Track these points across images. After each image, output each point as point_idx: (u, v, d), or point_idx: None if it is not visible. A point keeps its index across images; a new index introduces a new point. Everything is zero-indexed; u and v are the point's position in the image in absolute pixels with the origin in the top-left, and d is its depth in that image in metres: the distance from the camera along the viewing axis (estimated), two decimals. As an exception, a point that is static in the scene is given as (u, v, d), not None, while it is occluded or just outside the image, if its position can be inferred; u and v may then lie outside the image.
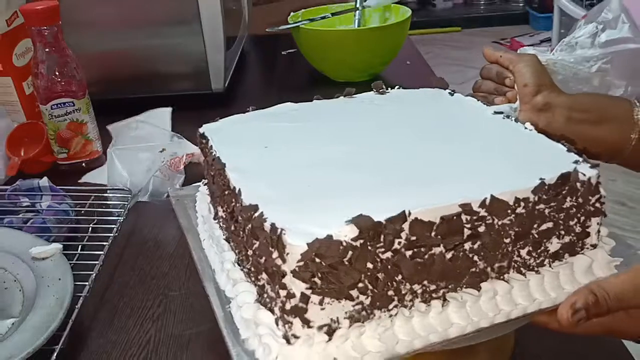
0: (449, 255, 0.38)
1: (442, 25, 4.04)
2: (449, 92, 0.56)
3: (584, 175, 0.40)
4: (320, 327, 0.35)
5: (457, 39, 3.92)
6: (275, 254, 0.35)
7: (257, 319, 0.38)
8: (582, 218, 0.42)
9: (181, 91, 1.02)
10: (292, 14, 1.14)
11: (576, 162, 0.42)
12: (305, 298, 0.34)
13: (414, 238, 0.36)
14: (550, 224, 0.41)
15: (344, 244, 0.34)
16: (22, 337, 0.49)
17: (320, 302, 0.35)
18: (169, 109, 0.88)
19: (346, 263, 0.34)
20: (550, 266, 0.42)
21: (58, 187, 0.71)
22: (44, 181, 0.71)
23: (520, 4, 4.14)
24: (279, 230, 0.35)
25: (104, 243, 0.62)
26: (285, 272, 0.34)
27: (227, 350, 0.38)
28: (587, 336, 0.41)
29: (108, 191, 0.75)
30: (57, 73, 0.79)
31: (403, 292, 0.37)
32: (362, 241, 0.34)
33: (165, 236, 0.70)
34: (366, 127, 0.50)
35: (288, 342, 0.36)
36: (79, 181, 0.82)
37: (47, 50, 0.78)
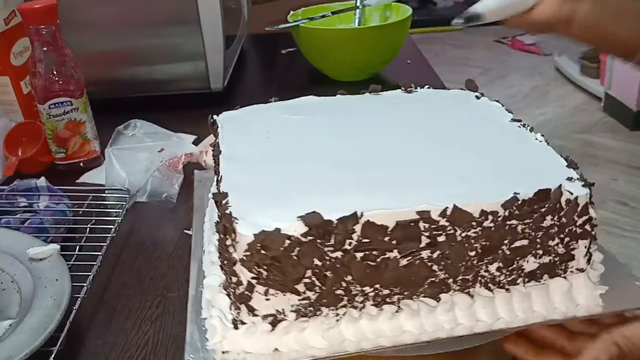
0: (403, 262, 0.37)
1: (443, 24, 4.04)
2: (476, 96, 0.54)
3: (571, 193, 0.38)
4: (265, 317, 0.37)
5: (458, 38, 3.92)
6: (228, 241, 0.36)
7: (215, 301, 0.39)
8: (567, 239, 0.39)
9: (180, 90, 1.01)
10: (291, 12, 1.13)
11: (569, 178, 0.39)
12: (250, 287, 0.36)
13: (365, 240, 0.36)
14: (524, 242, 0.38)
15: (292, 238, 0.35)
16: (19, 339, 0.49)
17: (266, 293, 0.36)
18: (192, 137, 0.88)
19: (293, 257, 0.35)
20: (524, 285, 0.40)
21: (56, 187, 0.71)
22: (42, 181, 0.71)
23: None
24: (233, 219, 0.36)
25: (102, 244, 0.62)
26: (235, 259, 0.36)
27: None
28: None
29: (106, 191, 0.75)
30: (55, 72, 0.79)
31: (353, 292, 0.37)
32: (311, 238, 0.35)
33: (164, 237, 0.69)
34: (375, 125, 0.50)
35: (235, 327, 0.37)
36: (77, 181, 0.81)
37: (45, 49, 0.78)
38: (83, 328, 0.56)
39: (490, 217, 0.37)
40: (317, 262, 0.36)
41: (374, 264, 0.36)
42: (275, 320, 0.37)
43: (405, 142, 0.47)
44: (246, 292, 0.36)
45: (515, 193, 0.37)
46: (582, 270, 0.40)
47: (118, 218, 0.67)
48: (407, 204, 0.36)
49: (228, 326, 0.38)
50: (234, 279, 0.37)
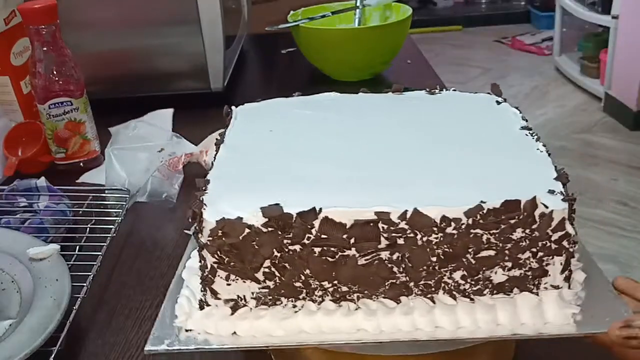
0: (362, 261, 0.37)
1: (443, 24, 4.04)
2: (497, 101, 0.53)
3: (546, 207, 0.36)
4: (226, 301, 0.39)
5: (458, 38, 3.92)
6: (197, 226, 0.38)
7: (188, 282, 0.42)
8: (540, 254, 0.38)
9: (180, 91, 1.01)
10: (291, 12, 1.13)
11: (551, 191, 0.37)
12: (213, 271, 0.38)
13: (324, 236, 0.36)
14: (491, 252, 0.37)
15: (253, 227, 0.36)
16: (19, 339, 0.49)
17: (227, 278, 0.38)
18: (170, 110, 0.88)
19: (254, 246, 0.36)
20: (491, 297, 0.39)
21: (56, 187, 0.71)
22: (42, 181, 0.71)
23: (522, 3, 4.13)
24: (201, 205, 0.38)
25: (102, 244, 0.62)
26: (202, 244, 0.38)
27: None
28: None
29: (106, 191, 0.75)
30: (55, 72, 0.79)
31: (312, 286, 0.38)
32: (271, 229, 0.36)
33: (164, 237, 0.69)
34: (381, 125, 0.50)
35: (201, 308, 0.39)
36: (77, 181, 0.81)
37: (45, 49, 0.78)
38: (83, 328, 0.56)
39: (452, 224, 0.36)
40: (276, 253, 0.37)
41: (332, 260, 0.37)
42: (236, 306, 0.39)
43: (403, 143, 0.46)
44: (209, 276, 0.38)
45: (481, 201, 0.36)
46: (557, 287, 0.39)
47: (118, 218, 0.67)
48: (370, 204, 0.36)
49: (195, 306, 0.40)
50: (202, 263, 0.39)
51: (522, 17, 4.02)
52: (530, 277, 0.38)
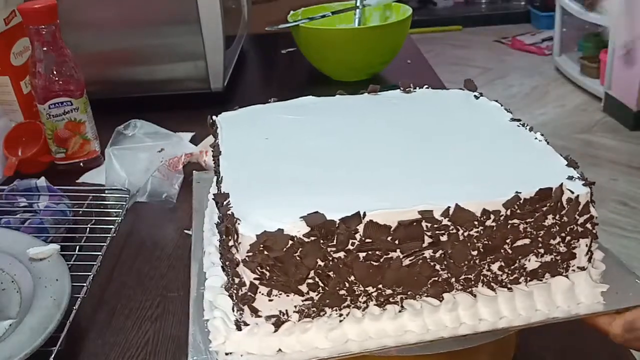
0: (406, 262, 0.37)
1: (443, 24, 4.04)
2: (475, 95, 0.54)
3: (572, 192, 0.38)
4: (268, 318, 0.37)
5: (457, 38, 3.92)
6: (231, 242, 0.36)
7: (217, 303, 0.39)
8: (568, 238, 0.39)
9: (180, 91, 1.01)
10: (291, 12, 1.13)
11: (570, 177, 0.39)
12: (254, 288, 0.36)
13: (368, 240, 0.36)
14: (526, 241, 0.39)
15: (295, 239, 0.35)
16: (19, 339, 0.49)
17: (269, 294, 0.36)
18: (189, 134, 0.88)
19: (296, 258, 0.35)
20: (526, 284, 0.40)
21: (56, 187, 0.71)
22: (42, 181, 0.71)
23: (522, 3, 4.13)
24: (235, 220, 0.36)
25: (102, 244, 0.62)
26: (238, 260, 0.36)
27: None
28: None
29: (106, 191, 0.75)
30: (55, 72, 0.79)
31: (356, 292, 0.37)
32: (314, 238, 0.35)
33: (164, 237, 0.69)
34: (373, 125, 0.50)
35: (239, 328, 0.37)
36: (77, 181, 0.81)
37: (45, 49, 0.78)
38: (83, 328, 0.56)
39: (492, 217, 0.37)
40: (320, 262, 0.36)
41: (376, 264, 0.37)
42: (278, 321, 0.37)
43: (404, 142, 0.46)
44: (249, 293, 0.36)
45: (517, 192, 0.37)
46: (583, 269, 0.41)
47: (118, 218, 0.67)
48: (409, 204, 0.36)
49: (231, 327, 0.38)
50: (237, 280, 0.37)
51: (522, 17, 4.02)
52: (560, 261, 0.40)
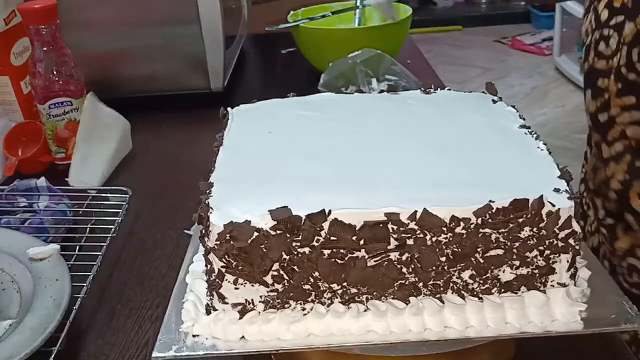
0: (371, 262, 0.37)
1: (443, 24, 4.04)
2: (492, 99, 0.53)
3: (553, 205, 0.37)
4: (234, 305, 0.38)
5: (458, 38, 3.92)
6: (204, 230, 0.38)
7: (193, 286, 0.41)
8: (547, 252, 0.38)
9: (180, 91, 1.01)
10: (291, 12, 1.13)
11: (556, 190, 0.38)
12: (221, 275, 0.37)
13: (333, 238, 0.36)
14: (499, 251, 0.37)
15: (261, 231, 0.36)
16: (19, 339, 0.49)
17: (235, 282, 0.37)
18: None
19: (262, 249, 0.36)
20: (498, 295, 0.39)
21: (56, 187, 0.71)
22: (42, 181, 0.70)
23: (522, 3, 4.13)
24: (208, 209, 0.37)
25: (102, 244, 0.62)
26: (208, 248, 0.37)
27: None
28: None
29: (106, 191, 0.75)
30: (55, 72, 0.79)
31: (321, 289, 0.38)
32: (280, 232, 0.36)
33: (164, 237, 0.69)
34: (380, 125, 0.50)
35: (208, 312, 0.39)
36: (66, 179, 0.81)
37: (45, 49, 0.78)
38: (83, 328, 0.56)
39: (461, 224, 0.36)
40: (285, 256, 0.37)
41: (341, 262, 0.37)
42: (244, 310, 0.39)
43: (403, 143, 0.46)
44: (217, 280, 0.38)
45: (490, 201, 0.36)
46: (564, 285, 0.39)
47: (118, 218, 0.66)
48: (380, 205, 0.36)
49: (201, 311, 0.40)
50: (208, 267, 0.38)
51: (522, 17, 4.02)
52: (537, 275, 0.38)
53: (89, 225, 0.67)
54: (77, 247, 0.63)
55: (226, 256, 0.37)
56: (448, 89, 0.56)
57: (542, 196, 0.36)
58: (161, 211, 0.73)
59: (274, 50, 1.30)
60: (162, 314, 0.56)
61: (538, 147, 0.44)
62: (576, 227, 0.37)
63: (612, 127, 0.62)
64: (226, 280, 0.38)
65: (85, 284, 0.56)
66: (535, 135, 0.45)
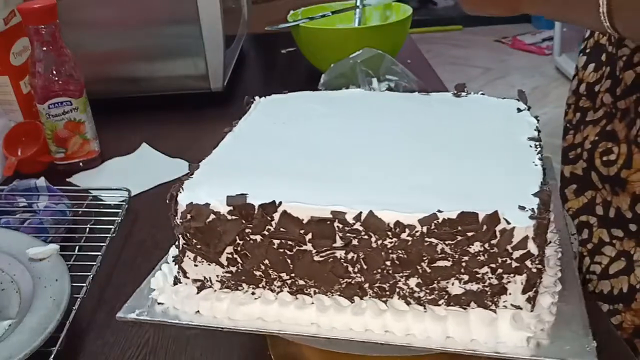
0: (317, 258, 0.37)
1: (443, 24, 4.04)
2: (517, 108, 0.51)
3: (508, 223, 0.35)
4: (194, 280, 0.41)
5: (458, 38, 3.92)
6: (173, 208, 0.40)
7: (170, 259, 0.44)
8: (499, 271, 0.36)
9: (180, 90, 1.01)
10: (291, 12, 1.13)
11: (521, 208, 0.35)
12: (183, 251, 0.40)
13: (282, 230, 0.37)
14: (447, 263, 0.36)
15: (218, 214, 0.38)
16: (19, 339, 0.49)
17: (194, 259, 0.40)
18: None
19: (217, 232, 0.38)
20: (445, 307, 0.37)
21: (55, 187, 0.71)
22: (41, 181, 0.70)
23: (521, 3, 4.13)
24: (179, 188, 0.40)
25: (102, 244, 0.62)
26: (174, 224, 0.40)
27: None
28: None
29: (106, 191, 0.75)
30: (54, 72, 0.79)
31: (272, 276, 0.39)
32: (235, 218, 0.38)
33: (164, 236, 0.69)
34: (391, 126, 0.49)
35: (174, 284, 0.42)
36: (68, 180, 0.81)
37: (44, 49, 0.78)
38: (83, 328, 0.55)
39: (407, 230, 0.36)
40: (238, 240, 0.38)
41: (290, 253, 0.38)
42: (202, 286, 0.41)
43: (403, 146, 0.46)
44: (180, 255, 0.41)
45: (438, 210, 0.35)
46: (518, 308, 0.37)
47: (118, 218, 0.66)
48: (328, 202, 0.37)
49: (169, 282, 0.42)
50: (176, 242, 0.41)
51: (522, 16, 4.00)
52: (489, 293, 0.37)
53: (88, 226, 0.67)
54: (77, 247, 0.63)
55: (187, 234, 0.39)
56: (482, 94, 0.55)
57: (496, 211, 0.35)
58: (161, 211, 0.73)
59: (274, 50, 1.30)
60: (162, 314, 0.57)
61: (533, 162, 0.42)
62: (533, 249, 0.35)
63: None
64: (187, 256, 0.40)
65: (85, 284, 0.56)
66: (539, 149, 0.44)
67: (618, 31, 0.48)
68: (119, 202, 0.71)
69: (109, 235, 0.63)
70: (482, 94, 0.55)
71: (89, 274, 0.57)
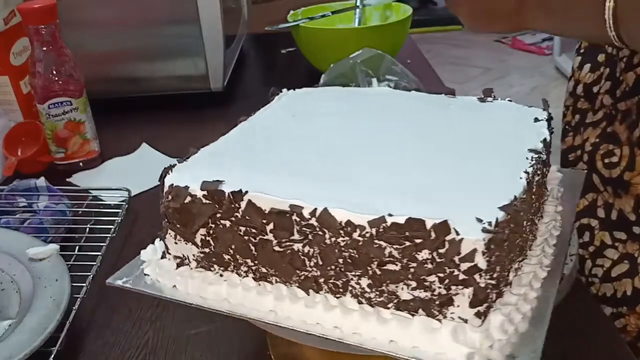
0: (277, 248, 0.39)
1: (443, 24, 4.04)
2: (535, 118, 0.50)
3: (457, 234, 0.34)
4: (175, 257, 0.43)
5: (458, 38, 3.92)
6: (161, 187, 0.42)
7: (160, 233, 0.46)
8: (447, 281, 0.35)
9: (180, 90, 1.01)
10: (291, 12, 1.13)
11: (479, 220, 0.34)
12: (165, 229, 0.42)
13: (247, 218, 0.39)
14: (395, 267, 0.36)
15: (194, 197, 0.40)
16: (19, 339, 0.49)
17: (175, 237, 0.42)
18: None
19: (192, 213, 0.40)
20: (392, 311, 0.37)
21: (55, 187, 0.71)
22: (41, 181, 0.71)
23: (521, 3, 4.13)
24: (168, 170, 0.42)
25: (102, 244, 0.62)
26: (161, 202, 0.42)
27: None
28: None
29: (106, 191, 0.75)
30: (54, 72, 0.79)
31: (239, 261, 0.41)
32: (209, 202, 0.40)
33: (164, 236, 0.69)
34: (399, 127, 0.49)
35: (161, 257, 0.44)
36: (67, 179, 0.81)
37: (44, 49, 0.78)
38: (83, 328, 0.56)
39: (357, 230, 0.36)
40: (210, 223, 0.40)
41: (254, 241, 0.39)
42: (181, 263, 0.43)
43: (402, 147, 0.45)
44: (163, 232, 0.43)
45: (388, 214, 0.35)
46: (465, 321, 0.36)
47: (118, 218, 0.66)
48: (290, 195, 0.38)
49: (158, 255, 0.44)
50: (163, 219, 0.43)
51: (522, 17, 4.01)
52: (437, 302, 0.36)
53: (88, 226, 0.67)
54: (77, 247, 0.63)
55: (167, 213, 0.41)
56: (509, 100, 0.53)
57: (445, 221, 0.34)
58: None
59: (274, 50, 1.30)
60: (162, 313, 0.57)
61: (519, 175, 0.40)
62: (481, 263, 0.34)
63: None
64: (169, 234, 0.42)
65: (85, 284, 0.56)
66: (534, 162, 0.42)
67: (624, 42, 0.48)
68: (119, 202, 0.71)
69: (109, 235, 0.63)
70: (509, 100, 0.53)
71: (89, 274, 0.57)
